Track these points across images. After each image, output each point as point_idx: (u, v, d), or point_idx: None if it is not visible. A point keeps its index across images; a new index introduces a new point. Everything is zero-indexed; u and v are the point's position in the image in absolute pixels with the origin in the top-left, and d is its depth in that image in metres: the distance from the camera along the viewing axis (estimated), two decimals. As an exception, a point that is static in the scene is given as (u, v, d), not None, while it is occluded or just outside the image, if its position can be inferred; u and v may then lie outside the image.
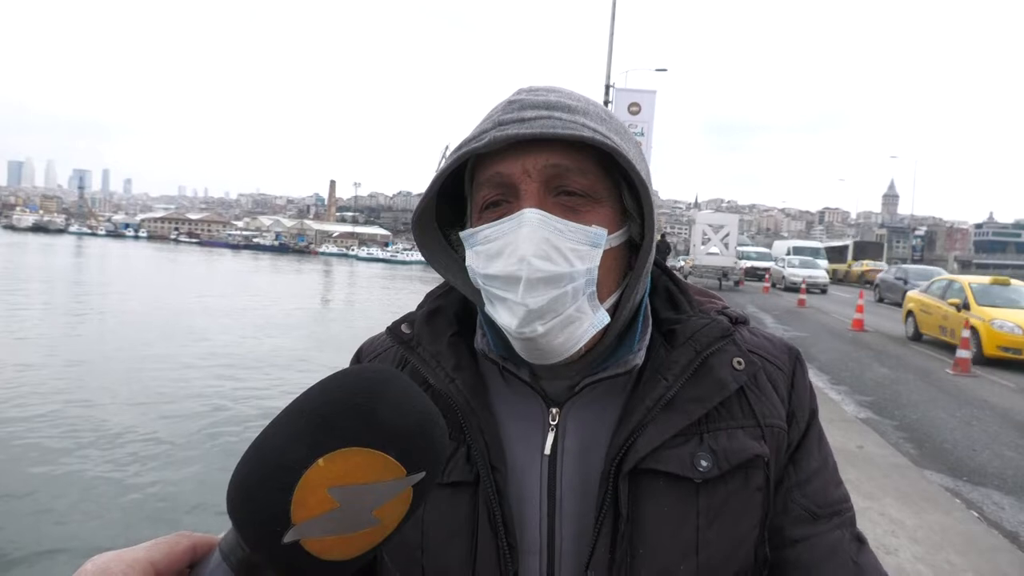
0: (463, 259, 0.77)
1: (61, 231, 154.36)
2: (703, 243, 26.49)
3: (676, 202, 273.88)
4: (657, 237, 0.78)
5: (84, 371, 13.68)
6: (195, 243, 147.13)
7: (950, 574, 3.70)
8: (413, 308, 0.89)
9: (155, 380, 13.08)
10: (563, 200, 0.73)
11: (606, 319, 0.74)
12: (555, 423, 0.77)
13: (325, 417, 0.44)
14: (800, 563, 0.77)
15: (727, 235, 26.48)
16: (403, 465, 0.44)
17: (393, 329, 0.85)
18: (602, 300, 0.75)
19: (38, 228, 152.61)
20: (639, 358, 0.77)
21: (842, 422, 6.96)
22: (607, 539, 0.72)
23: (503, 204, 0.74)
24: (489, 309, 0.75)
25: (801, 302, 20.77)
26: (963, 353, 10.56)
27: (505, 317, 0.72)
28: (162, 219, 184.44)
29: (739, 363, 0.78)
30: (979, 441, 6.86)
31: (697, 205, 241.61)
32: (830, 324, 16.24)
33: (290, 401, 0.46)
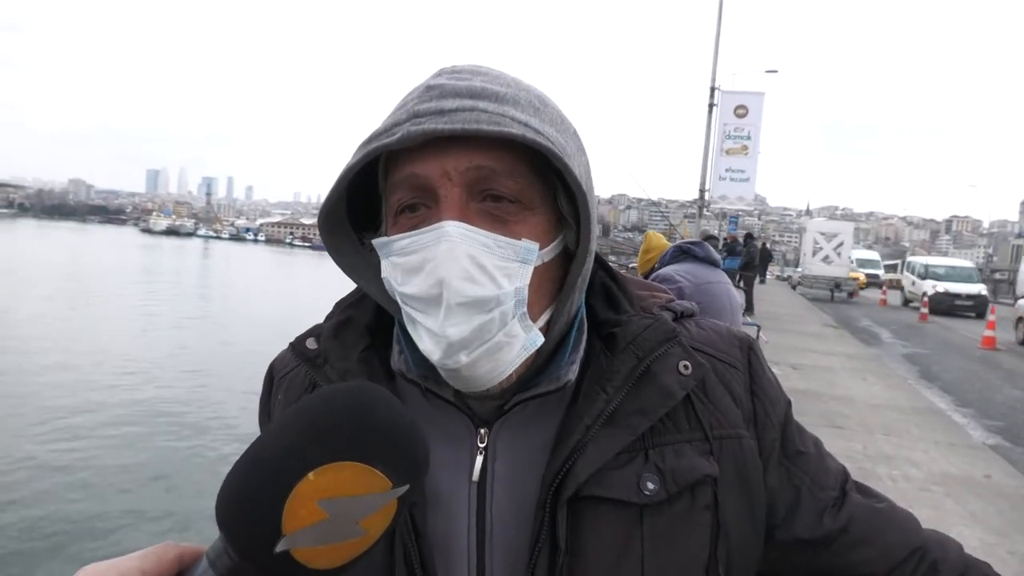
0: (378, 264, 0.69)
1: (190, 234, 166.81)
2: (814, 252, 25.23)
3: (786, 209, 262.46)
4: (600, 248, 0.72)
5: (202, 372, 14.61)
6: (307, 246, 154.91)
7: (1093, 625, 3.30)
8: None
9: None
10: (489, 207, 0.64)
11: (539, 340, 0.66)
12: (483, 445, 0.70)
13: (317, 432, 0.46)
14: (860, 540, 0.75)
15: (841, 244, 25.17)
16: (389, 478, 0.46)
17: (296, 345, 0.77)
18: (534, 318, 0.66)
19: (171, 231, 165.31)
20: (571, 372, 0.69)
21: (967, 448, 6.40)
22: (543, 574, 0.65)
23: (421, 209, 0.65)
24: (410, 328, 0.66)
25: (923, 316, 19.39)
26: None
27: (427, 344, 0.64)
28: (278, 224, 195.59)
29: (685, 367, 0.71)
30: None
31: (809, 212, 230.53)
32: (955, 341, 15.04)
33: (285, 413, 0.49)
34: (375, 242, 0.68)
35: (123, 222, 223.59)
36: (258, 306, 26.80)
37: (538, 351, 0.68)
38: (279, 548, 0.44)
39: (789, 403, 0.79)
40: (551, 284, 0.69)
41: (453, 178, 0.63)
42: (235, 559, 0.46)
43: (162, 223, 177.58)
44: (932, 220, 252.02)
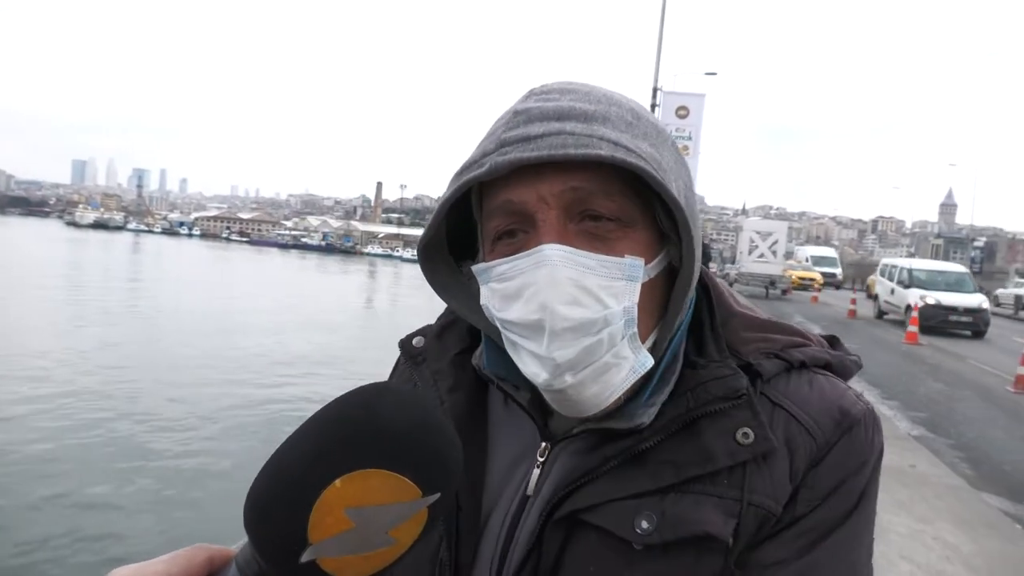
0: (476, 291, 0.68)
1: (120, 228, 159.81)
2: (750, 251, 26.04)
3: (723, 208, 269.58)
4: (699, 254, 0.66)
5: (130, 367, 14.09)
6: (245, 242, 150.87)
7: (1010, 606, 3.50)
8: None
9: (197, 377, 13.39)
10: (589, 227, 0.63)
11: (648, 361, 0.64)
12: (543, 460, 0.69)
13: (343, 438, 0.44)
14: None
15: (775, 242, 26.06)
16: (418, 487, 0.44)
17: (404, 343, 0.79)
18: (642, 339, 0.64)
19: (98, 225, 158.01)
20: (647, 416, 0.65)
21: (894, 439, 6.69)
22: None
23: (519, 235, 0.64)
24: (511, 351, 0.65)
25: (851, 313, 20.16)
26: (1024, 370, 10.05)
27: (531, 367, 0.62)
28: (215, 218, 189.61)
29: (745, 435, 0.63)
30: (1042, 464, 6.52)
31: (745, 212, 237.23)
32: (882, 336, 15.72)
33: (308, 416, 0.46)
34: (474, 268, 0.67)
35: (46, 215, 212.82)
36: (193, 301, 25.95)
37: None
38: (305, 558, 0.43)
39: (854, 505, 0.63)
40: (657, 303, 0.66)
41: (549, 202, 0.62)
42: (263, 566, 0.45)
43: (89, 216, 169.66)
44: (860, 220, 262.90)
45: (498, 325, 0.66)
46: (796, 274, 29.57)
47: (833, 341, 0.76)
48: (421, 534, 0.47)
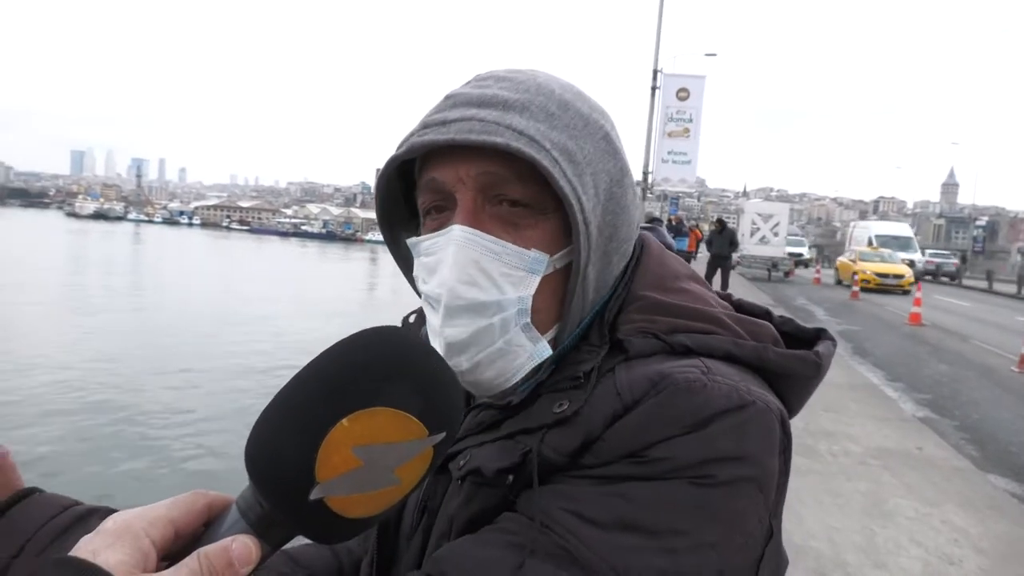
0: None
1: (120, 218, 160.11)
2: (752, 233, 25.92)
3: (724, 191, 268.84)
4: (588, 256, 0.66)
5: (128, 356, 14.11)
6: (245, 230, 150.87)
7: (1019, 588, 3.49)
8: None
9: (197, 364, 13.40)
10: (503, 211, 0.65)
11: (546, 352, 0.66)
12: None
13: (350, 378, 0.44)
14: None
15: (777, 224, 25.88)
16: (425, 426, 0.45)
17: (404, 320, 0.84)
18: (544, 330, 0.67)
19: (99, 215, 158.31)
20: (518, 396, 0.69)
21: (900, 421, 6.69)
22: (420, 535, 0.72)
23: (446, 211, 0.68)
24: (427, 326, 0.70)
25: (854, 295, 20.14)
26: (1030, 350, 10.05)
27: (433, 341, 0.67)
28: (215, 207, 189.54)
29: (560, 405, 0.64)
30: (1047, 444, 6.51)
31: (746, 194, 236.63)
32: (885, 318, 15.70)
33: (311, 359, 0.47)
34: (409, 242, 0.72)
35: (46, 206, 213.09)
36: (196, 289, 25.95)
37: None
38: (313, 496, 0.43)
39: (641, 457, 0.58)
40: (562, 296, 0.67)
41: (466, 183, 0.65)
42: (266, 508, 0.44)
43: (89, 207, 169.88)
44: (861, 201, 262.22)
45: (421, 297, 0.71)
46: (871, 268, 23.35)
47: (821, 334, 0.73)
48: (425, 474, 0.47)
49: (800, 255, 35.44)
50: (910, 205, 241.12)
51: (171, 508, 0.45)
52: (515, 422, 0.67)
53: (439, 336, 0.65)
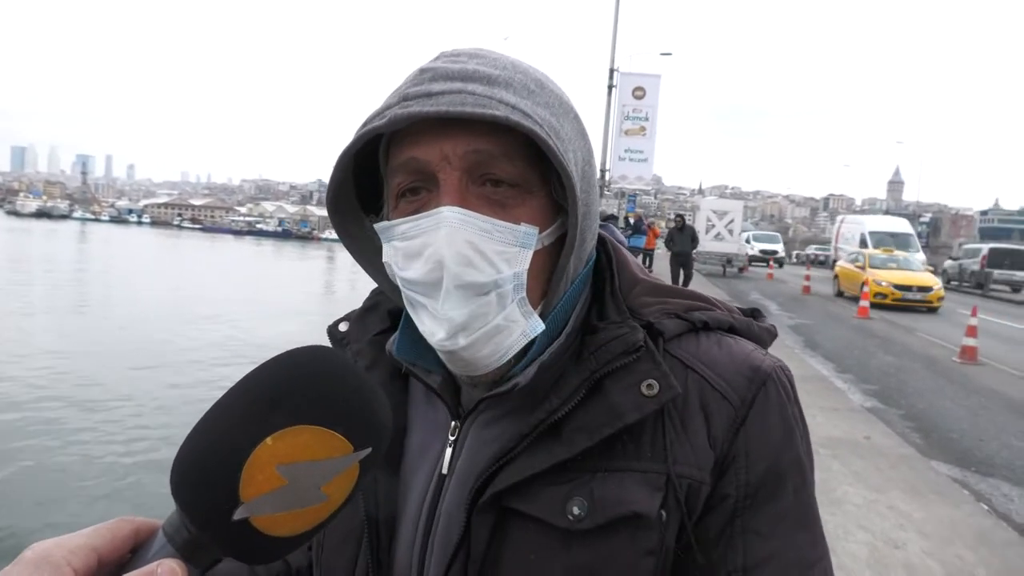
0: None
1: (65, 217, 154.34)
2: (707, 230, 26.39)
3: (680, 188, 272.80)
4: (591, 229, 0.69)
5: (79, 358, 13.66)
6: (198, 229, 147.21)
7: (960, 570, 3.62)
8: None
9: (153, 366, 13.05)
10: (488, 191, 0.64)
11: (539, 326, 0.65)
12: (454, 438, 0.71)
13: (273, 397, 0.45)
14: None
15: (731, 221, 26.40)
16: (350, 441, 0.45)
17: (331, 329, 0.81)
18: (534, 304, 0.66)
19: (41, 214, 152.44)
20: (525, 377, 0.66)
21: (848, 411, 6.88)
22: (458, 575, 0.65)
23: (422, 193, 0.65)
24: (411, 311, 0.67)
25: (806, 289, 20.63)
26: (969, 341, 10.45)
27: (428, 325, 0.64)
28: (165, 205, 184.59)
29: (650, 386, 0.63)
30: (986, 431, 6.78)
31: (701, 191, 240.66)
32: (834, 311, 16.12)
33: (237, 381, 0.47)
34: (377, 226, 0.68)
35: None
36: (146, 291, 25.20)
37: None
38: (237, 516, 0.43)
39: (786, 469, 0.64)
40: (551, 271, 0.68)
41: (452, 162, 0.62)
42: (193, 532, 0.44)
43: (31, 204, 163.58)
44: (812, 198, 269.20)
45: (399, 283, 0.66)
46: (889, 279, 17.16)
47: (755, 314, 0.77)
48: (353, 490, 0.47)
49: (775, 252, 35.96)
50: (858, 202, 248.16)
51: (93, 536, 0.44)
52: (588, 417, 0.64)
53: (439, 318, 0.62)
